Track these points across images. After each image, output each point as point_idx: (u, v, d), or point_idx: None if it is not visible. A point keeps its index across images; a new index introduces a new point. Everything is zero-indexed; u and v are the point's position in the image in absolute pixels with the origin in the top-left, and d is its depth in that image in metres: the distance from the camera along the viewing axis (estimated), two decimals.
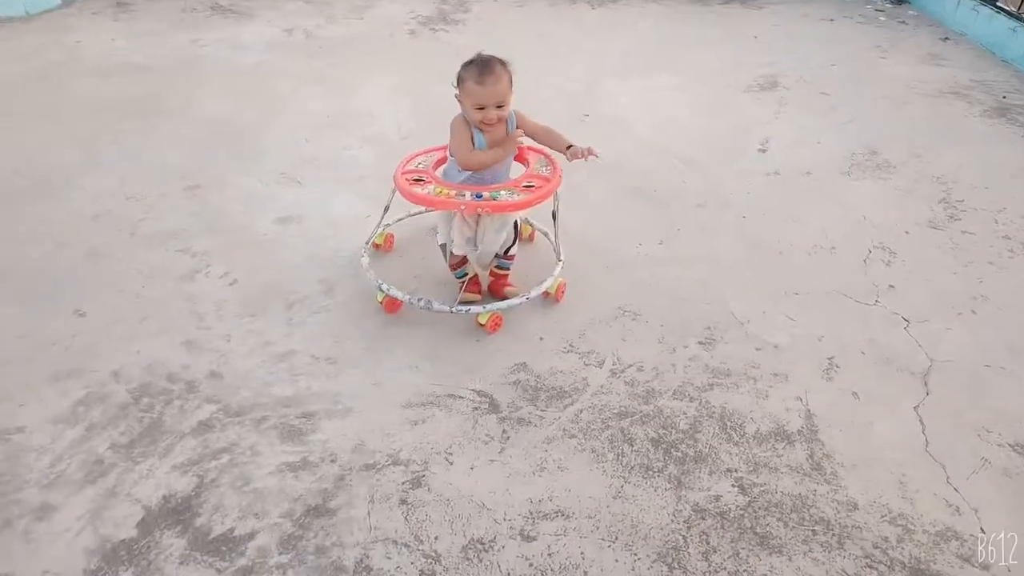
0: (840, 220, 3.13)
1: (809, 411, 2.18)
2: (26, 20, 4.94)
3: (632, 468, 1.99)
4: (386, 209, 2.60)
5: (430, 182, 2.35)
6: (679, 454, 2.03)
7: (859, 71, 4.74)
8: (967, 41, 5.28)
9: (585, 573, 1.72)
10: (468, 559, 1.74)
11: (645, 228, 3.03)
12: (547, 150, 2.49)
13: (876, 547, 1.80)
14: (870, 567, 1.75)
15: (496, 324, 2.44)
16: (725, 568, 1.74)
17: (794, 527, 1.84)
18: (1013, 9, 5.00)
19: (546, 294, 2.53)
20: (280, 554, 1.74)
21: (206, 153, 3.48)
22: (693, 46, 5.10)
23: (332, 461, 1.98)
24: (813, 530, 1.83)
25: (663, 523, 1.84)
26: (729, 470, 1.99)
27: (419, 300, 2.39)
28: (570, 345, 2.40)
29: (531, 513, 1.86)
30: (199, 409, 2.12)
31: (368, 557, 1.74)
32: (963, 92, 4.44)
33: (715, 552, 1.77)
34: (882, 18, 5.77)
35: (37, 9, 5.07)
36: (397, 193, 2.38)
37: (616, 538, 1.80)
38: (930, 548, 1.80)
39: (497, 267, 2.55)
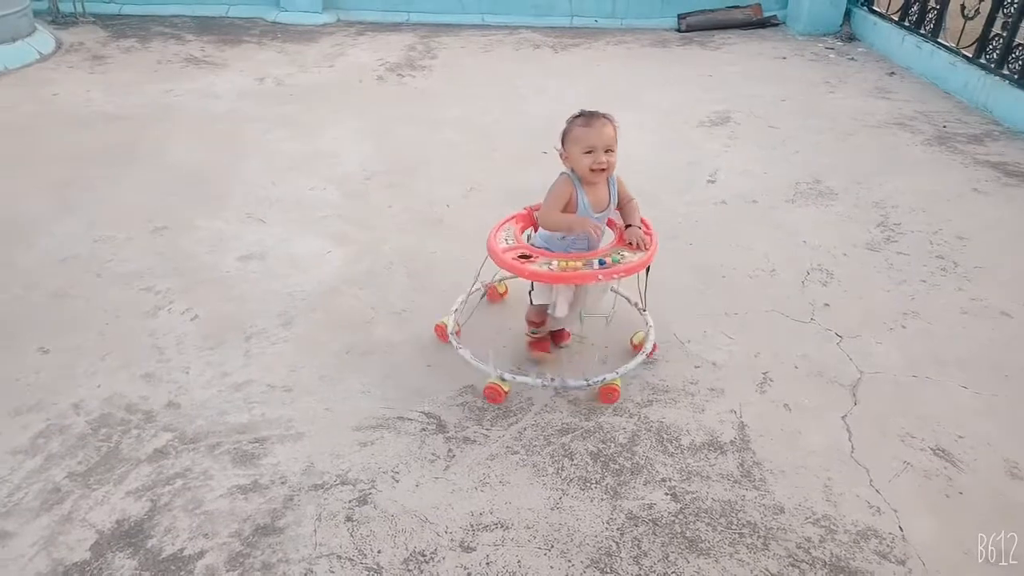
0: (782, 244, 3.27)
1: (742, 423, 2.28)
2: (3, 75, 5.09)
3: (571, 480, 2.07)
4: (477, 276, 2.52)
5: (537, 257, 2.25)
6: (616, 466, 2.12)
7: (808, 105, 4.95)
8: (912, 75, 5.53)
9: None
10: (409, 571, 1.82)
11: None
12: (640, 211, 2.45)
13: (799, 547, 1.89)
14: (793, 566, 1.84)
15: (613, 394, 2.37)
16: (655, 571, 1.82)
17: (722, 531, 1.93)
18: (952, 45, 5.25)
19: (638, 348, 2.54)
20: (228, 571, 1.81)
21: (175, 197, 3.60)
22: (651, 86, 5.31)
23: (282, 483, 2.05)
24: (740, 533, 1.92)
25: (598, 531, 1.92)
26: (663, 479, 2.08)
27: (552, 380, 2.35)
28: (517, 367, 2.50)
29: (471, 526, 1.94)
30: (155, 437, 2.20)
31: (312, 572, 1.81)
32: (907, 123, 4.65)
33: (646, 556, 1.86)
34: (832, 55, 6.03)
35: (15, 64, 5.23)
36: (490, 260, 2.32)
37: (552, 546, 1.88)
38: (850, 546, 1.89)
39: None
